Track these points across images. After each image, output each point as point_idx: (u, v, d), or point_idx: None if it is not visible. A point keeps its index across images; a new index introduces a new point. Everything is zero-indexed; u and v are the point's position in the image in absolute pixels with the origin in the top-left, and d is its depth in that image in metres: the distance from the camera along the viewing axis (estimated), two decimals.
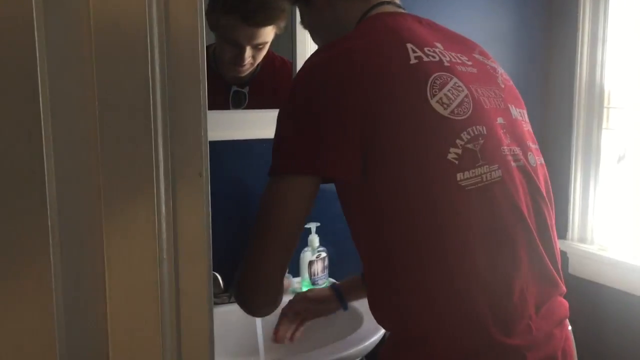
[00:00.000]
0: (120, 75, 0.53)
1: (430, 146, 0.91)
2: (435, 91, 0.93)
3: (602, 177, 2.09)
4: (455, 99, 0.94)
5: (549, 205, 1.04)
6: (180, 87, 0.55)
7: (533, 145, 1.07)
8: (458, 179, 0.90)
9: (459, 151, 0.91)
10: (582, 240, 2.14)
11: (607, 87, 2.05)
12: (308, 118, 0.93)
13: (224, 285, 1.64)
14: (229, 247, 1.70)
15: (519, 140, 1.02)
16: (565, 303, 1.04)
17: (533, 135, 1.10)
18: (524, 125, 1.07)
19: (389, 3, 1.08)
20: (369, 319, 1.30)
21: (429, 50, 0.98)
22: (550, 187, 1.07)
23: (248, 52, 1.62)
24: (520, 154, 1.01)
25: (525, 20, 2.15)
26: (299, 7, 1.18)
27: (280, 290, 0.99)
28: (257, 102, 1.72)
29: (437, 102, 0.92)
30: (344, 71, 0.93)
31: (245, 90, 1.72)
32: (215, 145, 1.65)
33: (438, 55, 0.98)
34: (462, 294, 0.90)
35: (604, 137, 2.07)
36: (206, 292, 0.59)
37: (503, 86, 1.07)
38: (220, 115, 1.68)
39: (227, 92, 1.71)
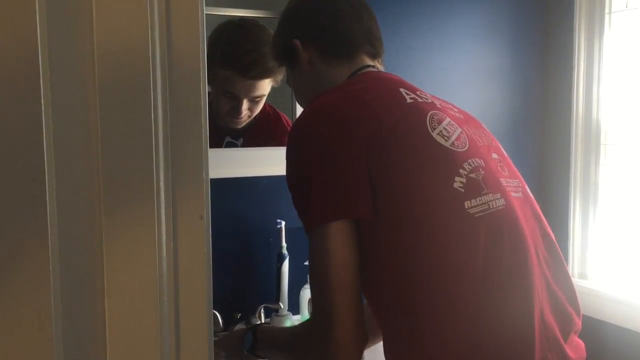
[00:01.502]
0: (123, 116, 0.54)
1: (437, 176, 0.93)
2: (435, 125, 0.96)
3: (600, 213, 2.10)
4: (453, 133, 0.97)
5: (549, 231, 1.05)
6: (181, 130, 0.56)
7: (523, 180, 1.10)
8: (466, 206, 0.91)
9: (464, 180, 0.92)
10: (583, 276, 2.13)
11: (603, 124, 2.07)
12: (319, 164, 0.93)
13: (223, 324, 1.63)
14: (228, 284, 1.69)
15: (515, 174, 1.06)
16: (581, 344, 1.02)
17: None
18: (513, 165, 1.10)
19: (373, 67, 1.13)
20: None
21: (420, 94, 1.03)
22: None
23: (245, 104, 1.62)
24: (519, 186, 1.03)
25: (520, 58, 2.18)
26: (286, 68, 1.21)
27: (359, 324, 0.93)
28: None
29: (438, 134, 0.95)
30: (344, 112, 0.95)
31: (239, 142, 1.71)
32: (216, 183, 1.66)
33: (430, 98, 1.04)
34: (480, 321, 0.89)
35: (601, 173, 2.08)
36: (206, 334, 0.59)
37: (488, 131, 1.12)
38: (219, 153, 1.69)
39: (220, 143, 1.70)
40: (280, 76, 1.64)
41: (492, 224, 0.92)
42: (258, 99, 1.64)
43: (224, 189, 1.69)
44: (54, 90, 0.50)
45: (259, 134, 1.73)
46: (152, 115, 0.54)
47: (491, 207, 0.93)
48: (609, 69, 2.04)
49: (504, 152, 1.10)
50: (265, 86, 1.63)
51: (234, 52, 1.59)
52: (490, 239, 0.91)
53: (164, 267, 0.55)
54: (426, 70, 2.00)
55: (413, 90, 1.03)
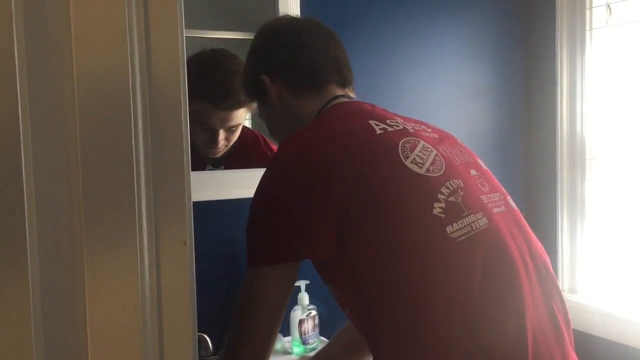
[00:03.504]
0: (103, 142, 0.54)
1: (415, 204, 0.91)
2: (407, 153, 0.95)
3: (588, 227, 2.11)
4: (427, 158, 0.96)
5: (537, 243, 1.04)
6: (163, 155, 0.56)
7: (505, 191, 1.09)
8: (448, 232, 0.90)
9: (443, 205, 0.91)
10: (572, 291, 2.13)
11: (588, 139, 2.08)
12: (281, 206, 0.95)
13: (213, 348, 1.61)
14: (217, 307, 1.67)
15: (496, 187, 1.05)
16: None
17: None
18: (494, 177, 1.10)
19: (343, 96, 1.13)
20: None
21: (391, 122, 1.02)
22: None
23: (221, 134, 1.61)
24: (501, 199, 1.02)
25: (504, 76, 2.20)
26: (257, 104, 1.22)
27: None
28: None
29: (412, 162, 0.94)
30: (314, 155, 0.96)
31: (220, 169, 1.71)
32: (201, 205, 1.65)
33: (401, 124, 1.02)
34: (470, 344, 0.88)
35: (587, 188, 2.10)
36: None
37: (465, 146, 1.11)
38: (202, 175, 1.68)
39: (202, 170, 1.70)
40: (255, 103, 1.64)
41: (476, 245, 0.91)
42: (234, 129, 1.64)
43: (210, 211, 1.69)
44: (33, 118, 0.49)
45: (240, 159, 1.73)
46: (133, 141, 0.54)
47: (474, 228, 0.92)
48: (591, 84, 2.06)
49: (483, 165, 1.09)
50: (240, 115, 1.63)
51: (206, 84, 1.58)
52: (477, 261, 0.90)
53: (147, 293, 0.54)
54: (411, 90, 2.01)
55: (383, 119, 1.02)
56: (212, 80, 1.58)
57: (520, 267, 0.94)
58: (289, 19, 1.24)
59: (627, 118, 1.98)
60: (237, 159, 1.72)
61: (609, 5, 2.01)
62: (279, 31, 1.18)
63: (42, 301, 0.50)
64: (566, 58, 2.10)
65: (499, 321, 0.89)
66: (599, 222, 2.09)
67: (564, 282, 2.15)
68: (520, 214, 1.06)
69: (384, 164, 0.93)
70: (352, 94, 1.17)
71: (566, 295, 2.12)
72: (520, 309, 0.91)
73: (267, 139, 1.76)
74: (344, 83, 1.16)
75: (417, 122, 1.09)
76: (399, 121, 1.03)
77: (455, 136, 1.14)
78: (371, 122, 1.00)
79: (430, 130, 1.07)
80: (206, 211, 1.64)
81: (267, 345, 0.97)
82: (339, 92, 1.14)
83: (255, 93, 1.18)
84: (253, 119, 1.77)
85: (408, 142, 0.97)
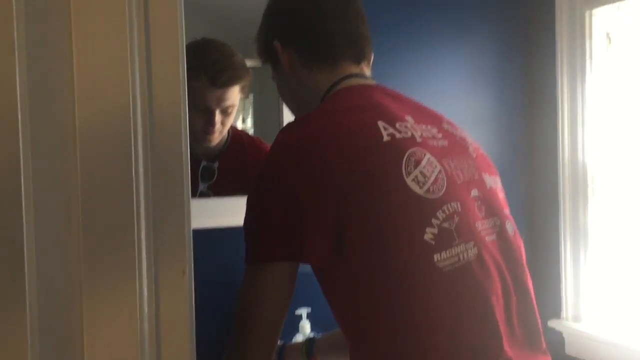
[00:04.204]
0: (104, 174, 0.54)
1: (407, 227, 0.90)
2: (411, 169, 0.92)
3: (591, 254, 2.10)
4: (430, 175, 0.93)
5: (528, 275, 1.02)
6: (163, 186, 0.56)
7: (507, 212, 1.06)
8: (435, 260, 0.88)
9: (435, 231, 0.89)
10: (577, 319, 2.11)
11: (589, 166, 2.09)
12: (280, 202, 0.91)
13: None
14: (218, 335, 1.66)
15: (495, 210, 1.01)
16: None
17: (505, 201, 1.09)
18: (499, 193, 1.07)
19: (356, 75, 1.07)
20: None
21: (400, 126, 0.96)
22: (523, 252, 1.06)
23: (218, 116, 1.66)
24: (497, 225, 1.00)
25: (505, 103, 2.21)
26: (270, 65, 1.16)
27: None
28: (226, 177, 1.77)
29: (413, 180, 0.91)
30: (316, 153, 0.91)
31: (215, 165, 1.76)
32: (202, 233, 1.65)
33: (410, 130, 0.97)
34: None
35: (590, 215, 2.09)
36: None
37: (474, 155, 1.06)
38: (203, 203, 1.71)
39: (197, 167, 1.74)
40: (248, 85, 1.71)
41: (459, 279, 0.89)
42: (230, 110, 1.69)
43: (211, 238, 1.69)
44: (34, 156, 0.50)
45: (233, 156, 1.78)
46: (134, 172, 0.54)
47: (461, 259, 0.90)
48: (592, 111, 2.07)
49: (488, 181, 1.04)
50: (235, 95, 1.69)
51: (202, 63, 1.64)
52: (457, 295, 0.89)
53: (145, 326, 0.55)
54: None
55: (393, 119, 0.96)
56: (207, 59, 1.65)
57: (499, 307, 0.93)
58: None
59: (628, 145, 1.98)
60: (232, 155, 1.77)
61: (608, 34, 2.03)
62: None
63: (41, 333, 0.51)
64: (567, 86, 2.11)
65: (473, 354, 0.89)
66: (602, 248, 2.08)
67: (567, 310, 2.13)
68: (515, 240, 1.03)
69: (385, 178, 0.91)
70: (367, 70, 1.11)
71: (570, 324, 2.10)
72: (496, 346, 0.90)
73: (263, 142, 1.82)
74: (359, 58, 1.09)
75: (429, 120, 1.04)
76: (408, 124, 0.98)
77: (466, 137, 1.09)
78: (380, 123, 0.95)
79: (440, 135, 1.02)
80: (206, 238, 1.65)
81: (268, 350, 0.94)
82: (353, 69, 1.08)
83: (267, 56, 1.13)
84: (254, 111, 1.84)
85: (414, 154, 0.93)
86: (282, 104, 1.79)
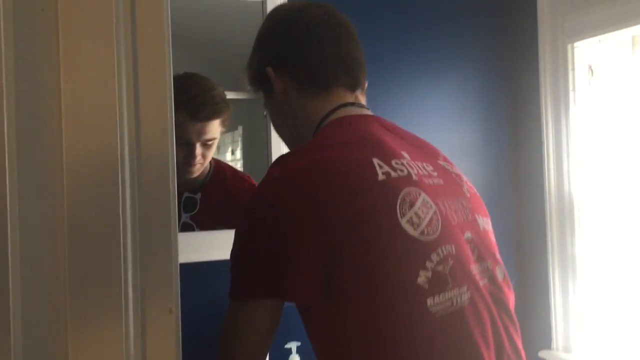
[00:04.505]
0: (91, 212, 0.54)
1: (400, 270, 0.87)
2: (405, 210, 0.89)
3: (580, 284, 2.10)
4: (425, 217, 0.90)
5: (516, 324, 1.00)
6: (150, 224, 0.56)
7: (498, 256, 1.04)
8: (428, 304, 0.86)
9: (429, 274, 0.87)
10: (567, 350, 2.11)
11: (575, 196, 2.11)
12: (267, 239, 0.89)
13: None
14: None
15: (487, 254, 0.99)
16: None
17: (496, 244, 1.07)
18: (491, 236, 1.05)
19: (352, 104, 1.05)
20: None
21: (396, 164, 0.93)
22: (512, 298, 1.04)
23: (198, 149, 1.68)
24: (489, 269, 0.98)
25: (491, 134, 2.24)
26: (263, 93, 1.13)
27: None
28: (209, 208, 1.78)
29: (407, 222, 0.88)
30: (307, 190, 0.89)
31: (197, 196, 1.77)
32: (190, 267, 1.64)
33: (406, 167, 0.94)
34: None
35: (578, 244, 2.10)
36: None
37: (469, 195, 1.04)
38: (191, 237, 1.70)
39: (179, 198, 1.75)
40: (229, 119, 1.73)
41: (451, 324, 0.88)
42: (210, 143, 1.71)
43: (199, 272, 1.67)
44: (21, 191, 0.50)
45: (216, 187, 1.80)
46: (120, 211, 0.54)
47: (454, 303, 0.88)
48: (576, 142, 2.10)
49: (481, 222, 1.03)
50: (215, 129, 1.70)
51: (182, 98, 1.65)
52: (448, 341, 0.87)
53: None
54: None
55: (389, 156, 0.94)
56: (187, 94, 1.67)
57: (490, 354, 0.91)
58: (299, 5, 1.12)
59: (613, 174, 2.00)
60: (214, 187, 1.79)
61: (590, 67, 2.07)
62: (286, 19, 1.09)
63: None
64: (551, 117, 2.14)
65: None
66: (591, 278, 2.08)
67: (558, 341, 2.12)
68: (504, 285, 1.01)
69: (379, 218, 0.88)
70: (362, 98, 1.09)
71: (561, 355, 2.10)
72: None
73: (247, 176, 1.84)
74: (354, 85, 1.07)
75: (425, 156, 1.02)
76: (404, 161, 0.95)
77: (461, 175, 1.07)
78: (375, 160, 0.92)
79: (436, 173, 0.99)
80: (195, 272, 1.63)
81: None
82: (348, 97, 1.05)
83: (260, 84, 1.10)
84: (243, 143, 1.85)
85: (409, 194, 0.90)
86: (271, 136, 1.81)
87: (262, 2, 1.81)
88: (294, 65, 1.06)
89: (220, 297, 1.70)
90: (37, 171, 0.52)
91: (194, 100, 1.66)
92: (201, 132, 1.68)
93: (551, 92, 2.14)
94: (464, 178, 1.08)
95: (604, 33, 1.98)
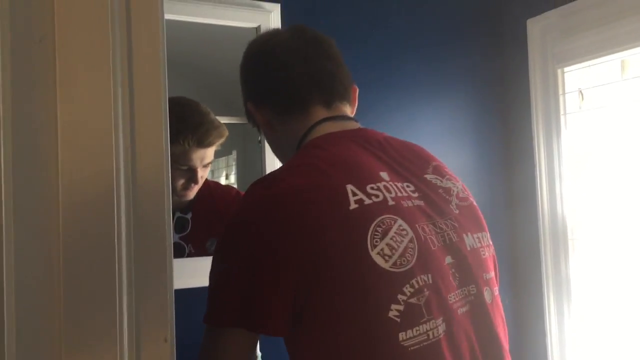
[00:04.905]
0: (86, 242, 0.54)
1: (370, 304, 0.84)
2: (377, 241, 0.86)
3: (575, 308, 2.10)
4: (398, 247, 0.87)
5: (503, 350, 0.97)
6: (145, 252, 0.56)
7: (490, 275, 1.00)
8: (400, 339, 0.83)
9: (401, 307, 0.84)
10: None
11: (569, 220, 2.11)
12: (238, 265, 0.88)
13: None
14: None
15: (472, 277, 0.96)
16: None
17: (495, 259, 1.04)
18: (483, 252, 1.01)
19: (328, 119, 1.04)
20: None
21: (371, 189, 0.91)
22: (504, 321, 1.02)
23: (199, 172, 1.71)
24: (472, 294, 0.94)
25: (484, 158, 2.25)
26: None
27: None
28: (199, 226, 1.79)
29: (378, 254, 0.85)
30: (278, 219, 0.87)
31: (188, 216, 1.79)
32: (186, 292, 1.63)
33: (382, 192, 0.91)
34: None
35: (572, 268, 2.11)
36: None
37: (457, 211, 1.00)
38: (186, 262, 1.70)
39: (171, 219, 1.76)
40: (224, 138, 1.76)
41: (429, 357, 0.85)
42: (207, 166, 1.75)
43: (196, 298, 1.66)
44: (17, 218, 0.50)
45: (204, 204, 1.81)
46: (116, 240, 0.54)
47: (430, 337, 0.85)
48: (569, 165, 2.11)
49: (469, 238, 0.99)
50: (213, 151, 1.75)
51: (188, 127, 1.69)
52: None
53: None
54: None
55: (364, 182, 0.91)
56: (191, 123, 1.70)
57: None
58: (267, 35, 1.14)
59: (605, 197, 2.02)
60: (203, 204, 1.80)
61: (580, 91, 2.09)
62: (255, 52, 1.12)
63: None
64: (543, 141, 2.16)
65: None
66: (585, 300, 2.08)
67: None
68: (492, 309, 0.98)
69: (349, 252, 0.85)
70: (345, 110, 1.08)
71: None
72: None
73: (227, 185, 1.86)
74: (329, 99, 1.06)
75: (409, 174, 0.99)
76: (381, 185, 0.92)
77: (451, 187, 1.04)
78: (348, 187, 0.89)
79: (417, 195, 0.96)
80: (191, 298, 1.62)
81: None
82: (324, 113, 1.05)
83: (251, 120, 1.13)
84: (238, 167, 1.87)
85: (383, 223, 0.87)
86: (265, 160, 1.82)
87: (257, 28, 1.83)
88: (266, 95, 1.08)
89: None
90: (33, 197, 0.52)
91: (199, 129, 1.69)
92: (204, 157, 1.71)
93: (542, 117, 2.16)
94: (455, 191, 1.04)
95: (593, 58, 2.00)
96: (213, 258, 0.94)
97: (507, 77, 2.27)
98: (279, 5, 1.85)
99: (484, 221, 1.07)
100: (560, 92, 2.12)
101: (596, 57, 1.99)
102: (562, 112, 2.12)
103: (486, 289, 0.97)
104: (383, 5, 2.08)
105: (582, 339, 2.08)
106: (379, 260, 0.85)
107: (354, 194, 0.89)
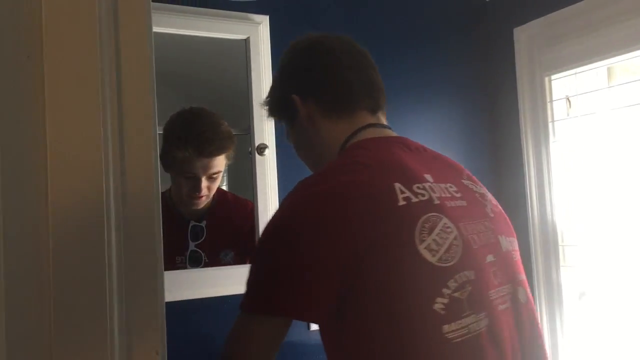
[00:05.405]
0: (76, 256, 0.54)
1: (416, 296, 0.87)
2: (424, 236, 0.89)
3: (566, 315, 2.11)
4: (444, 243, 0.90)
5: (543, 347, 1.00)
6: (136, 269, 0.56)
7: (522, 277, 1.04)
8: (444, 331, 0.86)
9: (446, 301, 0.87)
10: None
11: (559, 227, 2.12)
12: (287, 257, 0.90)
13: None
14: None
15: (510, 276, 0.99)
16: None
17: (521, 263, 1.07)
18: (514, 256, 1.05)
19: (374, 125, 1.08)
20: None
21: (418, 188, 0.94)
22: (537, 319, 1.04)
23: (204, 182, 1.72)
24: (510, 293, 0.98)
25: (473, 166, 2.24)
26: (285, 124, 1.17)
27: None
28: (215, 235, 1.80)
29: (426, 248, 0.88)
30: (332, 213, 0.89)
31: (203, 224, 1.80)
32: (181, 305, 1.62)
33: (428, 191, 0.94)
34: None
35: (563, 275, 2.12)
36: None
37: (492, 215, 1.05)
38: (183, 274, 1.69)
39: (186, 227, 1.78)
40: (233, 152, 1.76)
41: (468, 350, 0.87)
42: (215, 176, 1.75)
43: (190, 310, 1.66)
44: (6, 239, 0.50)
45: (220, 214, 1.83)
46: (106, 253, 0.54)
47: (471, 330, 0.87)
48: (558, 172, 2.13)
49: (504, 243, 1.02)
50: (220, 163, 1.75)
51: (189, 134, 1.70)
52: None
53: None
54: None
55: (410, 182, 0.94)
56: (194, 130, 1.71)
57: None
58: (319, 37, 1.17)
59: (595, 203, 2.03)
60: (219, 213, 1.82)
61: (568, 98, 2.11)
62: (310, 48, 1.14)
63: None
64: (532, 149, 2.17)
65: None
66: (576, 307, 2.09)
67: None
68: (527, 306, 1.01)
69: (397, 244, 0.88)
70: (383, 119, 1.13)
71: None
72: None
73: (245, 198, 1.85)
74: (375, 108, 1.11)
75: (449, 177, 1.03)
76: (427, 185, 0.95)
77: (485, 193, 1.08)
78: (396, 185, 0.92)
79: (459, 195, 1.00)
80: (185, 310, 1.62)
81: None
82: (370, 119, 1.09)
83: (284, 113, 1.14)
84: (229, 179, 1.86)
85: (429, 220, 0.90)
86: (256, 172, 1.82)
87: (246, 40, 1.84)
88: (321, 91, 1.10)
89: (210, 335, 1.68)
90: (22, 222, 0.52)
91: (200, 138, 1.70)
92: (207, 167, 1.72)
93: (531, 124, 2.17)
94: (488, 197, 1.09)
95: (579, 66, 2.03)
96: (257, 248, 0.95)
97: (494, 85, 2.29)
98: (268, 17, 1.86)
99: (512, 227, 1.12)
100: (548, 99, 2.14)
101: (583, 65, 2.01)
102: (550, 119, 2.13)
103: (520, 289, 1.01)
104: (370, 15, 2.10)
105: (574, 345, 2.09)
106: (426, 254, 0.88)
107: (402, 192, 0.92)
